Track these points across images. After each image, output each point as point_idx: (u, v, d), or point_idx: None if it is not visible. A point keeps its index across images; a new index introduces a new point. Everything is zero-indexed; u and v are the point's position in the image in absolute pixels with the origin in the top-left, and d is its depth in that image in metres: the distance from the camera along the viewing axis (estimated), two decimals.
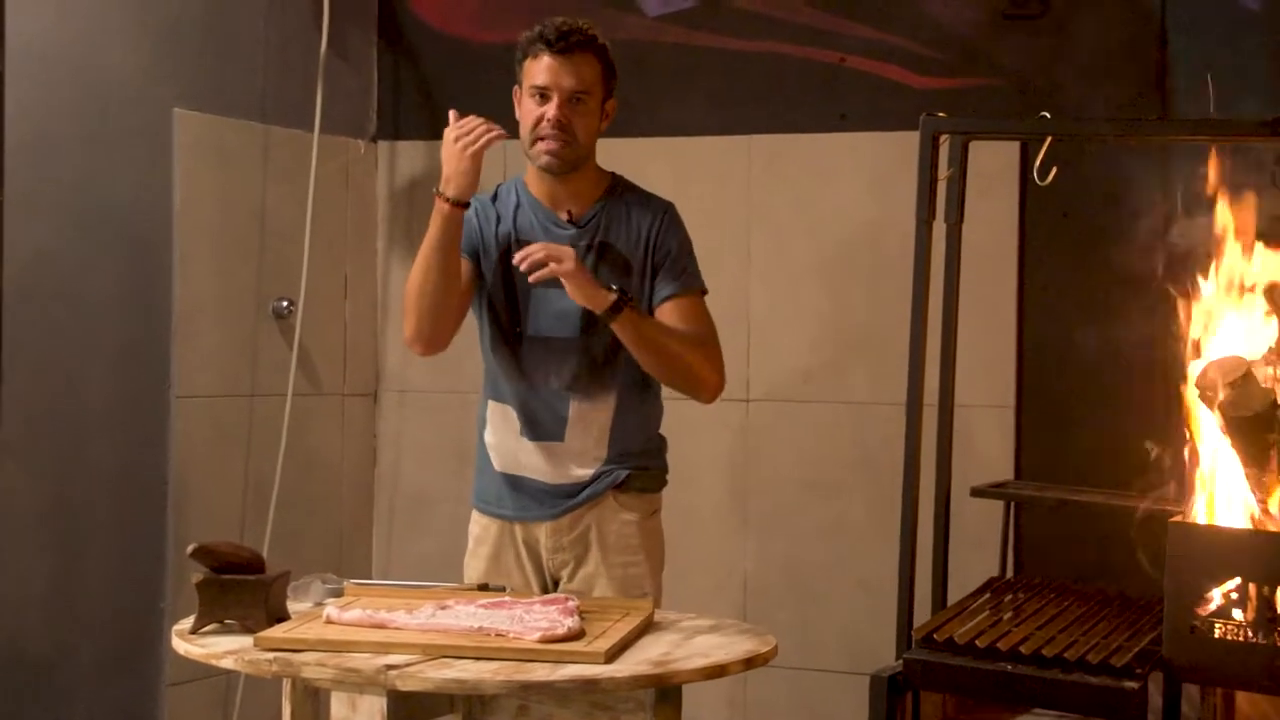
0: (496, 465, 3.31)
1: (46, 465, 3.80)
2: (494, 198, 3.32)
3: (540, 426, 3.25)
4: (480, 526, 3.35)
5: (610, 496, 3.26)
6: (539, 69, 3.17)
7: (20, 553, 3.73)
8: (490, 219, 3.27)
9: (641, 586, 3.24)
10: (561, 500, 3.25)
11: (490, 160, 3.12)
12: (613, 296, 3.08)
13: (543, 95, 3.17)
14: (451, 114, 3.16)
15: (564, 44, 3.15)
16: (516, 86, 3.24)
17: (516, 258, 3.10)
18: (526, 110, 3.21)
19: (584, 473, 3.25)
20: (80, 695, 3.88)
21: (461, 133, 3.10)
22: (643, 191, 3.33)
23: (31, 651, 3.77)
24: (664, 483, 3.35)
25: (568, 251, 3.07)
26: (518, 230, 3.26)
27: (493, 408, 3.32)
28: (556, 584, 3.28)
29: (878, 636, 3.78)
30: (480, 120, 3.12)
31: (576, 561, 3.26)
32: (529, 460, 3.26)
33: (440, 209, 3.13)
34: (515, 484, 3.28)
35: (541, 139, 3.17)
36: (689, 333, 3.21)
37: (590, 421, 3.24)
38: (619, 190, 3.30)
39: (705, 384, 3.25)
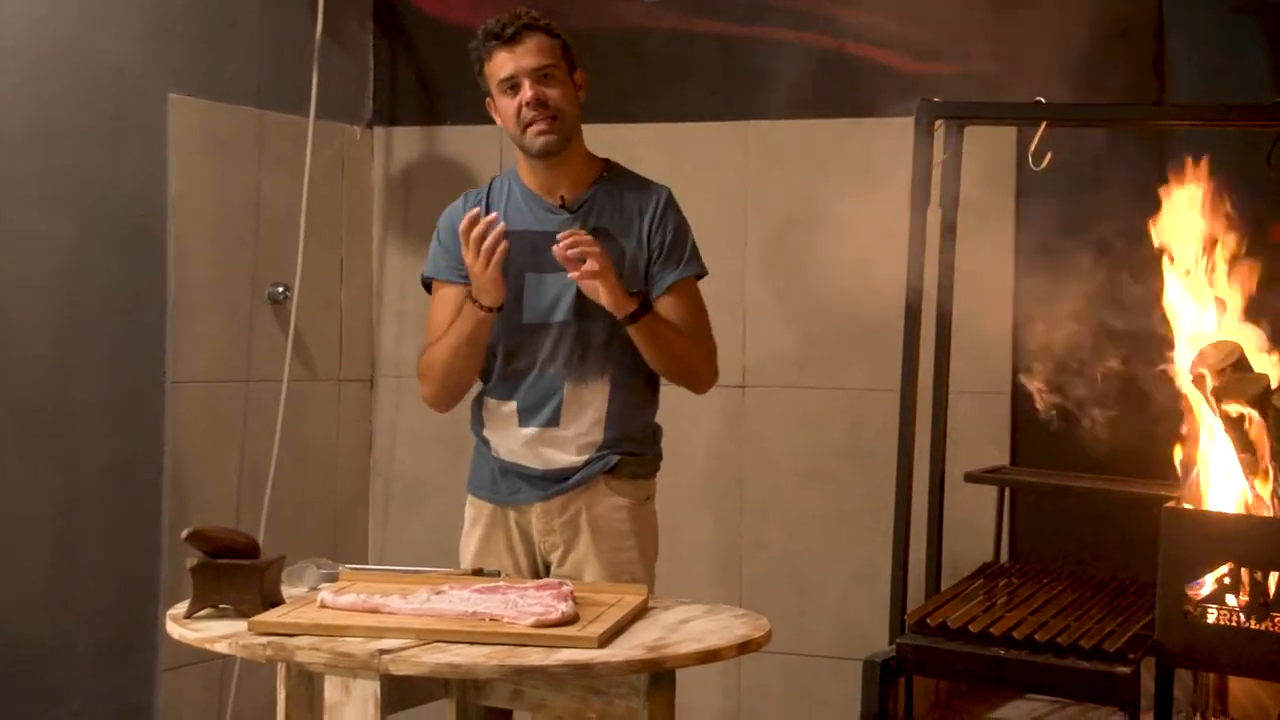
0: (492, 455, 3.31)
1: (42, 451, 3.79)
2: (487, 191, 3.33)
3: (536, 413, 3.25)
4: (474, 509, 3.37)
5: (601, 481, 3.26)
6: (498, 64, 3.21)
7: (16, 538, 3.73)
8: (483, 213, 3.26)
9: (632, 571, 3.25)
10: (553, 484, 3.26)
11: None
12: (634, 305, 3.12)
13: (513, 86, 3.20)
14: (465, 220, 3.12)
15: (512, 30, 3.19)
16: (489, 99, 3.27)
17: (562, 236, 3.08)
18: (504, 108, 3.23)
19: (579, 459, 3.25)
20: (76, 680, 3.88)
21: (475, 238, 3.08)
22: (637, 176, 3.32)
23: (28, 637, 3.77)
24: (657, 469, 3.36)
25: (599, 253, 3.08)
26: (509, 222, 3.25)
27: (487, 404, 3.33)
28: (548, 568, 3.29)
29: (871, 622, 3.79)
30: (484, 223, 3.08)
31: (567, 545, 3.26)
32: (526, 448, 3.26)
33: (474, 311, 3.15)
34: (508, 469, 3.29)
35: (530, 124, 3.18)
36: (691, 329, 3.24)
37: (585, 406, 3.24)
38: (612, 175, 3.30)
39: (703, 381, 3.34)
